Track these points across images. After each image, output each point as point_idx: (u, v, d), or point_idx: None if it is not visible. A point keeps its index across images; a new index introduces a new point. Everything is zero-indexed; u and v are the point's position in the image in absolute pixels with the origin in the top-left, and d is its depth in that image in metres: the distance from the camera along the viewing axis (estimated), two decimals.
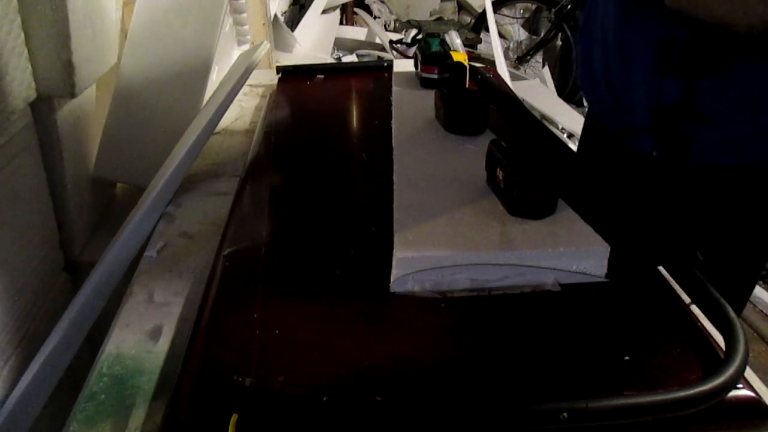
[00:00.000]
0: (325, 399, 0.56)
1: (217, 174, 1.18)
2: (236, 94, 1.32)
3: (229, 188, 1.11)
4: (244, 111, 1.49)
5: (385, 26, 3.61)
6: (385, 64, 1.62)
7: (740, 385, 0.56)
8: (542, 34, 3.54)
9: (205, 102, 1.33)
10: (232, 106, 1.35)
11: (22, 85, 0.95)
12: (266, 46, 1.47)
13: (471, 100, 1.08)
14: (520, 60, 3.35)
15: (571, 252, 0.70)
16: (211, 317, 0.68)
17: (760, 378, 0.82)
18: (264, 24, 1.88)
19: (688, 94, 0.86)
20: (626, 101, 0.95)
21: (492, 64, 2.01)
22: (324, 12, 2.21)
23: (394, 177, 0.91)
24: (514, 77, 3.12)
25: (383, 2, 3.87)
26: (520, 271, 0.70)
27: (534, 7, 3.96)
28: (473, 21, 3.52)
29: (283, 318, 0.67)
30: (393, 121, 1.13)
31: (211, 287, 0.74)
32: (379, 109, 1.28)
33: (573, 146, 2.17)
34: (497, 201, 0.81)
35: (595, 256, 0.71)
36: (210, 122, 1.21)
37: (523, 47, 3.55)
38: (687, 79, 0.85)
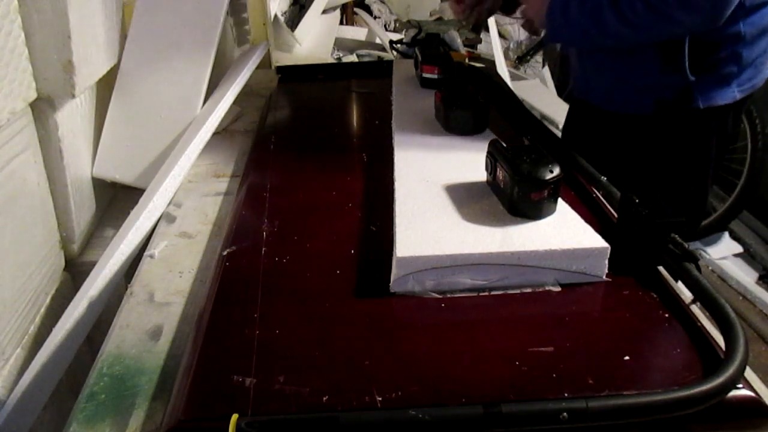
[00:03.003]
0: (325, 399, 0.56)
1: (217, 174, 1.18)
2: (236, 94, 1.33)
3: (229, 188, 1.11)
4: (244, 111, 1.49)
5: (385, 26, 3.61)
6: (385, 64, 1.62)
7: (740, 385, 0.56)
8: (542, 34, 3.53)
9: (204, 102, 1.33)
10: (232, 106, 1.35)
11: (22, 85, 0.95)
12: (266, 46, 1.47)
13: (471, 100, 1.08)
14: (520, 60, 3.35)
15: (571, 252, 0.70)
16: (211, 317, 0.68)
17: (760, 378, 0.82)
18: (264, 24, 1.88)
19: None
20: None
21: (492, 64, 2.00)
22: (324, 12, 2.21)
23: (395, 177, 0.91)
24: (514, 77, 3.11)
25: (383, 2, 3.87)
26: (520, 271, 0.70)
27: None
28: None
29: (283, 318, 0.67)
30: (393, 122, 1.13)
31: (211, 287, 0.74)
32: (379, 109, 1.28)
33: None
34: (497, 201, 0.81)
35: (595, 256, 0.71)
36: (210, 122, 1.21)
37: (523, 47, 3.55)
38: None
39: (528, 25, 1.25)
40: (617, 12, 1.01)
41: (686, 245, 0.72)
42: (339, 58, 2.13)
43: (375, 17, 3.62)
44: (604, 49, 1.15)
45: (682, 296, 0.69)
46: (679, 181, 1.18)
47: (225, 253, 0.80)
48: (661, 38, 1.05)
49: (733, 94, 1.09)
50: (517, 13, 1.39)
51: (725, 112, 1.11)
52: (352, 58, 2.20)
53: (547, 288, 0.71)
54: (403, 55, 1.75)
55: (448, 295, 0.69)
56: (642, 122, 1.16)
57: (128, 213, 1.02)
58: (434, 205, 0.81)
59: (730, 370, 0.55)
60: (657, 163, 1.17)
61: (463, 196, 0.83)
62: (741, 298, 2.27)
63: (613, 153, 1.20)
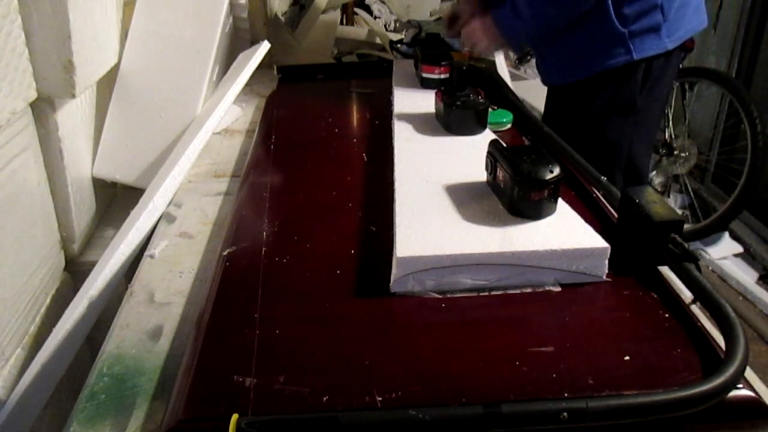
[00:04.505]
0: (325, 399, 0.56)
1: (217, 174, 1.18)
2: (236, 94, 1.33)
3: (229, 188, 1.11)
4: (244, 111, 1.49)
5: (385, 26, 3.60)
6: (385, 64, 1.62)
7: (740, 385, 0.56)
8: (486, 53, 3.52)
9: (205, 102, 1.33)
10: (232, 106, 1.35)
11: (22, 85, 0.95)
12: (266, 46, 1.47)
13: (471, 100, 1.08)
14: (520, 60, 3.34)
15: (571, 252, 0.70)
16: (211, 317, 0.68)
17: (760, 378, 0.82)
18: (264, 24, 1.88)
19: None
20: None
21: (492, 64, 2.00)
22: (324, 12, 2.21)
23: (395, 177, 0.91)
24: (514, 77, 3.11)
25: (383, 2, 3.86)
26: (520, 271, 0.70)
27: None
28: None
29: (283, 318, 0.67)
30: (393, 122, 1.13)
31: (211, 287, 0.74)
32: (379, 109, 1.28)
33: None
34: (497, 201, 0.81)
35: (595, 256, 0.71)
36: (210, 122, 1.21)
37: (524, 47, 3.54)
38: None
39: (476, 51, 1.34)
40: None
41: (686, 245, 0.72)
42: (339, 58, 2.12)
43: (375, 17, 3.62)
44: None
45: (682, 296, 0.69)
46: (608, 140, 1.26)
47: (225, 253, 0.80)
48: None
49: (663, 44, 1.20)
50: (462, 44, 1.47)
51: (656, 60, 1.21)
52: (352, 58, 2.19)
53: (547, 288, 0.71)
54: (403, 55, 1.75)
55: (448, 295, 0.69)
56: (593, 84, 1.25)
57: (128, 213, 1.02)
58: (434, 205, 0.81)
59: (730, 370, 0.55)
60: (591, 122, 1.27)
61: (463, 196, 0.83)
62: (741, 298, 2.27)
63: (574, 122, 1.29)
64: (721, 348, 0.60)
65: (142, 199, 1.03)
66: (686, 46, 1.44)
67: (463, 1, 1.50)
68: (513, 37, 1.22)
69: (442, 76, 1.31)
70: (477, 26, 1.25)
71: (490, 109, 1.10)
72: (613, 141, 1.27)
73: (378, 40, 2.35)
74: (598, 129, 1.26)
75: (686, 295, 0.69)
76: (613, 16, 1.16)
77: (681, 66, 1.36)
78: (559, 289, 0.70)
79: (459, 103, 1.06)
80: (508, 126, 1.19)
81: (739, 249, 2.48)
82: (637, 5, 1.15)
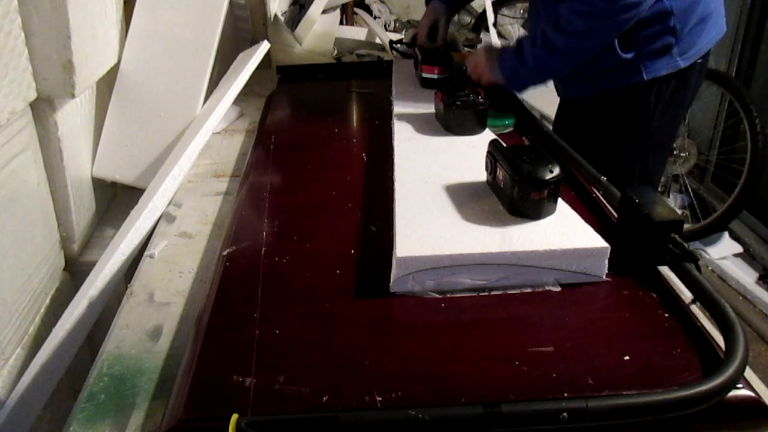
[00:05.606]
0: (325, 399, 0.56)
1: (216, 174, 1.18)
2: (236, 94, 1.33)
3: (229, 188, 1.11)
4: (244, 111, 1.49)
5: (385, 26, 3.61)
6: (385, 64, 1.62)
7: (740, 385, 0.56)
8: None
9: (204, 102, 1.33)
10: (232, 106, 1.35)
11: (22, 85, 0.95)
12: (266, 46, 1.47)
13: (471, 100, 1.08)
14: None
15: (571, 252, 0.70)
16: (211, 317, 0.68)
17: (760, 378, 0.82)
18: (264, 24, 1.88)
19: None
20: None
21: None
22: (324, 12, 2.21)
23: (395, 177, 0.91)
24: None
25: (383, 2, 3.87)
26: (520, 271, 0.70)
27: None
28: (473, 21, 3.51)
29: (283, 318, 0.67)
30: (393, 122, 1.13)
31: (211, 287, 0.74)
32: (379, 109, 1.28)
33: None
34: (497, 201, 0.81)
35: (595, 256, 0.71)
36: (210, 122, 1.21)
37: None
38: None
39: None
40: (558, 29, 1.11)
41: (686, 245, 0.72)
42: (339, 58, 2.12)
43: (375, 17, 3.62)
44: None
45: (682, 296, 0.69)
46: (619, 162, 1.24)
47: (225, 253, 0.80)
48: (605, 38, 1.11)
49: (676, 63, 1.18)
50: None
51: (667, 81, 1.20)
52: (352, 58, 2.19)
53: (547, 288, 0.71)
54: (403, 55, 1.75)
55: (448, 295, 0.69)
56: (601, 101, 1.24)
57: (128, 213, 1.02)
58: (434, 205, 0.81)
59: (730, 370, 0.55)
60: (603, 140, 1.26)
61: (463, 196, 0.83)
62: (741, 298, 2.27)
63: (586, 138, 1.26)
64: (721, 348, 0.60)
65: (142, 199, 1.03)
66: None
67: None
68: (513, 79, 1.19)
69: (442, 76, 1.31)
70: (480, 60, 1.23)
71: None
72: (624, 163, 1.25)
73: (378, 40, 2.35)
74: (610, 149, 1.24)
75: (686, 295, 0.70)
76: (617, 46, 1.14)
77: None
78: (559, 289, 0.70)
79: (459, 103, 1.06)
80: (511, 129, 1.19)
81: (739, 249, 2.47)
82: (650, 30, 1.13)
